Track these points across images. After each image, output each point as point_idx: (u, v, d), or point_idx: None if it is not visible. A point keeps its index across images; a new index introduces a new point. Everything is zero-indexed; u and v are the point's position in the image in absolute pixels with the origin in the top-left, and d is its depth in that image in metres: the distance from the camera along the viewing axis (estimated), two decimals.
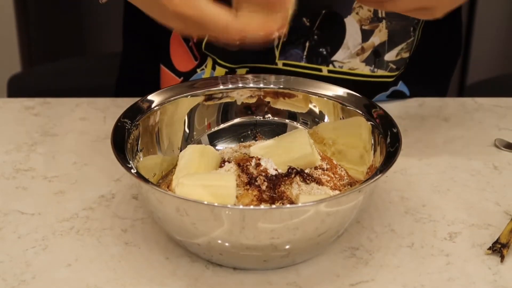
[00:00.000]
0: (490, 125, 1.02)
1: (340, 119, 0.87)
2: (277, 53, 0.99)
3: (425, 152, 0.96)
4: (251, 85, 0.89)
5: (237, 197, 0.77)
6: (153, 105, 0.85)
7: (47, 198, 0.87)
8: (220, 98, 0.89)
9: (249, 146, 0.87)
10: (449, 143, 0.98)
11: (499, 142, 0.97)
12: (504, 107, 1.06)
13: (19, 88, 1.59)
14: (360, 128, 0.84)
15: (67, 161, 0.94)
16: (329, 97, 0.87)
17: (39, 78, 1.65)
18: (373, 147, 0.83)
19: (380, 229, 0.83)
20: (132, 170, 0.74)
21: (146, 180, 0.73)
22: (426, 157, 0.95)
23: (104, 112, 1.04)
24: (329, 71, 0.99)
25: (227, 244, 0.72)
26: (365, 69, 1.00)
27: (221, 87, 0.89)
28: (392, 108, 1.03)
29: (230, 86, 0.89)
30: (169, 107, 0.86)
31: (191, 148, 0.83)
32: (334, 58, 0.99)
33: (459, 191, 0.89)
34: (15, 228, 0.83)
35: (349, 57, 0.99)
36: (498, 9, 2.14)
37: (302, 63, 0.99)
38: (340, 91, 0.87)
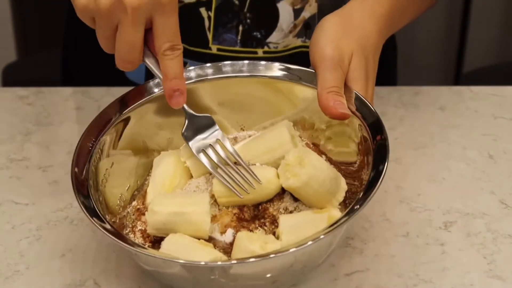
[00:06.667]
0: (485, 114, 1.01)
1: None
2: (209, 37, 0.99)
3: (420, 141, 0.96)
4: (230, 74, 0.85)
5: (216, 216, 0.74)
6: (123, 109, 0.80)
7: (42, 188, 0.87)
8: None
9: (234, 138, 0.84)
10: (444, 132, 0.98)
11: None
12: (500, 95, 1.05)
13: (14, 77, 1.58)
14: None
15: (61, 150, 0.93)
16: (313, 86, 0.82)
17: (35, 67, 1.64)
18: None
19: (375, 218, 0.83)
20: (106, 226, 0.69)
21: (124, 240, 0.69)
22: (421, 146, 0.95)
23: (98, 101, 1.03)
24: (264, 52, 1.00)
25: None
26: (297, 42, 1.01)
27: (187, 81, 0.81)
28: (388, 96, 1.03)
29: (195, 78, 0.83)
30: (141, 110, 0.81)
31: (166, 156, 0.79)
32: (268, 40, 1.00)
33: (454, 180, 0.89)
34: (9, 218, 0.82)
35: (283, 37, 1.00)
36: None
37: (237, 48, 1.00)
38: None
